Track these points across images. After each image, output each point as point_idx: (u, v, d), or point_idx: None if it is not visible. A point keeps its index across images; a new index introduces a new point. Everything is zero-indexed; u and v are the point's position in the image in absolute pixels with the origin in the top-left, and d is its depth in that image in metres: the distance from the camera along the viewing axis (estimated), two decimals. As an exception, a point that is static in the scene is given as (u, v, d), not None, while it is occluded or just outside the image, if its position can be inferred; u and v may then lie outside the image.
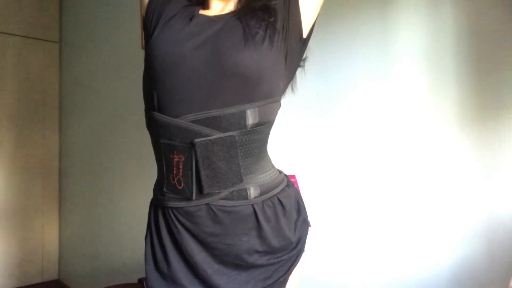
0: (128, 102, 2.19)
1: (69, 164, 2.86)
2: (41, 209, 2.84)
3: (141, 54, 1.05)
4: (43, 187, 2.86)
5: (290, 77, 0.88)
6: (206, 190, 0.77)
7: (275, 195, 0.84)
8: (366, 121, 1.15)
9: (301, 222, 0.90)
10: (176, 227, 0.81)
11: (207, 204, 0.78)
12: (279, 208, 0.84)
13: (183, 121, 0.76)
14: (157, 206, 0.86)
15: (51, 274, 2.88)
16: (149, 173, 2.01)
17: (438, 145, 1.01)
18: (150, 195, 0.95)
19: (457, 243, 0.98)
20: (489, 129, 0.93)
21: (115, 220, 2.31)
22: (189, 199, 0.78)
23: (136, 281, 1.53)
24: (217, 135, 0.76)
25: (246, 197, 0.80)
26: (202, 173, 0.76)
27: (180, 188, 0.79)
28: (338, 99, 1.21)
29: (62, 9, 2.97)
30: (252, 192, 0.81)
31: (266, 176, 0.84)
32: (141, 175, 2.08)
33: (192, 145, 0.75)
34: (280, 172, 0.90)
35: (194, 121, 0.76)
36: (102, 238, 2.44)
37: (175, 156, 0.78)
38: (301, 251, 0.88)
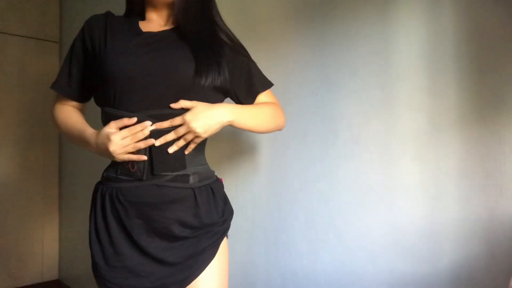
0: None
1: (69, 164, 2.86)
2: (41, 209, 2.84)
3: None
4: (43, 187, 2.86)
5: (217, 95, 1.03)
6: (156, 172, 0.92)
7: (208, 184, 1.02)
8: (366, 121, 1.15)
9: (227, 209, 1.06)
10: (123, 205, 0.94)
11: (154, 184, 0.93)
12: (211, 194, 1.02)
13: (140, 115, 0.91)
14: (105, 188, 0.99)
15: (51, 274, 2.88)
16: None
17: (438, 145, 1.01)
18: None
19: (457, 243, 0.98)
20: (489, 129, 0.93)
21: (115, 220, 2.31)
22: (140, 179, 0.93)
23: (136, 281, 1.52)
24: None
25: (187, 181, 0.96)
26: (154, 157, 0.91)
27: (133, 170, 0.94)
28: (337, 99, 1.21)
29: (62, 9, 2.97)
30: (192, 178, 0.97)
31: (202, 168, 1.02)
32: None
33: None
34: (212, 170, 1.09)
35: (149, 116, 0.91)
36: (102, 238, 2.43)
37: None
38: (227, 229, 1.04)
